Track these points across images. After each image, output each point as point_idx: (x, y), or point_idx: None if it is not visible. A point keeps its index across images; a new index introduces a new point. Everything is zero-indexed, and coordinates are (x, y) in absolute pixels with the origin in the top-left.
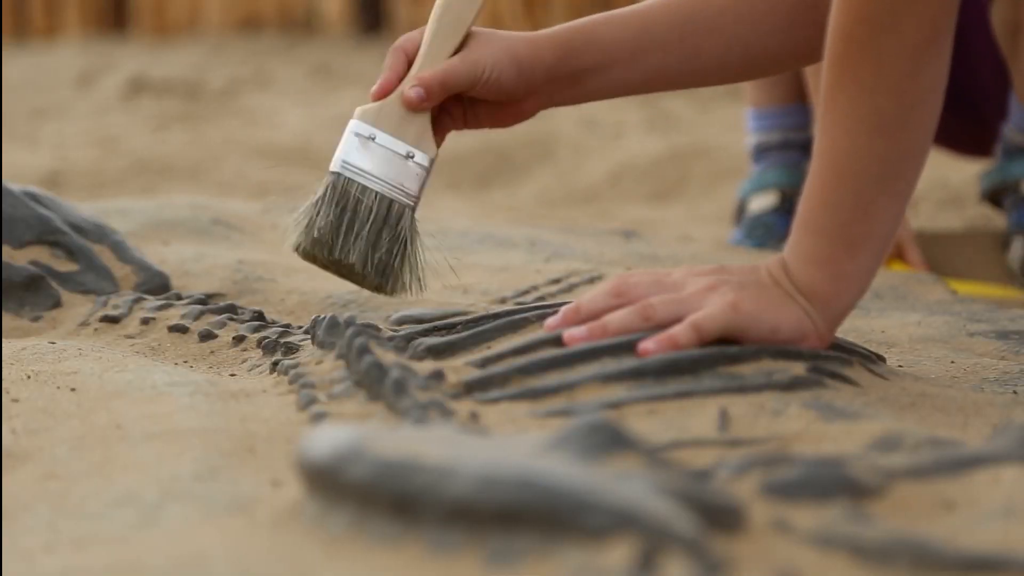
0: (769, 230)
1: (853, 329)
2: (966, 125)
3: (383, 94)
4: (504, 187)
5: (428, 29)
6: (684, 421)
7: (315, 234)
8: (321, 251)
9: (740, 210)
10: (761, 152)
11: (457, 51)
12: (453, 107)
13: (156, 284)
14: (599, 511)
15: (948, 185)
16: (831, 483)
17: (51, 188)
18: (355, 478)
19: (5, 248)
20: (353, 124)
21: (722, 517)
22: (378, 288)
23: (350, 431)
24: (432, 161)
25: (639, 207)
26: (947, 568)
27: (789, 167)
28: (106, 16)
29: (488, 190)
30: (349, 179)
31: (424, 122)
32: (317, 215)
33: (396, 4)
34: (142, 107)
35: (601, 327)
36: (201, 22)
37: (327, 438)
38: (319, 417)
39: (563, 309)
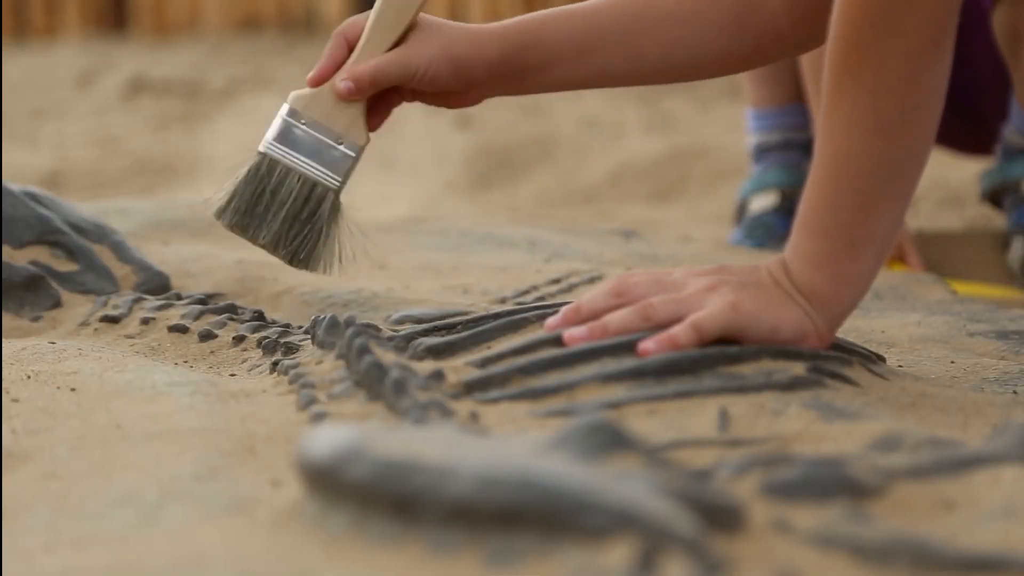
0: (769, 230)
1: (853, 329)
2: (966, 124)
3: (319, 81)
4: (504, 187)
5: (370, 19)
6: (684, 421)
7: (232, 212)
8: (238, 227)
9: (741, 210)
10: (761, 152)
11: (397, 43)
12: (392, 93)
13: (156, 284)
14: (599, 511)
15: (948, 185)
16: (831, 483)
17: (51, 188)
18: (355, 478)
19: (5, 248)
20: (284, 108)
21: (722, 517)
22: (291, 263)
23: (350, 431)
24: (362, 148)
25: (639, 207)
26: (947, 568)
27: (790, 167)
28: (106, 16)
29: (488, 190)
30: (273, 160)
31: (357, 111)
32: (236, 192)
33: None
34: (142, 107)
35: (601, 327)
36: (201, 22)
37: (327, 438)
38: (319, 417)
39: (563, 309)
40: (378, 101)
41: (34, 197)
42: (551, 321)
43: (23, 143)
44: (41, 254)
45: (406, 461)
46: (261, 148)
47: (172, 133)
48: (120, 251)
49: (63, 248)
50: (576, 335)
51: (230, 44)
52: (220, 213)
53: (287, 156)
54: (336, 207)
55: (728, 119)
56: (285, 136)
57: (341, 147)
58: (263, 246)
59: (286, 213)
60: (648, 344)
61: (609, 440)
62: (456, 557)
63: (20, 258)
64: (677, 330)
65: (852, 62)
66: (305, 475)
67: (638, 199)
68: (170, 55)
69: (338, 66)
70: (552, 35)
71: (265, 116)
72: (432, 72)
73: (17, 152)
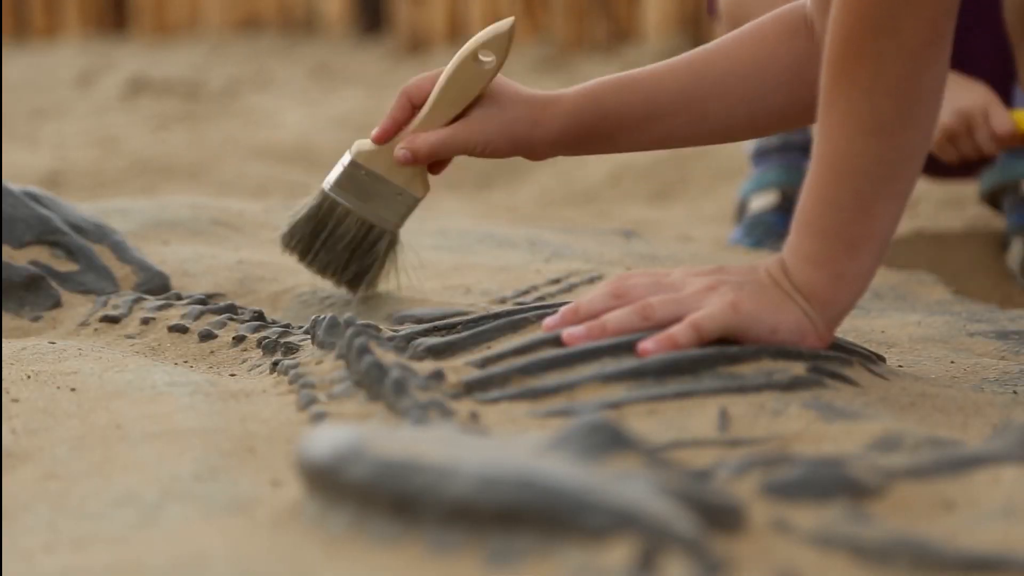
0: (768, 229)
1: (853, 329)
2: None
3: (382, 139)
4: (504, 187)
5: (435, 89)
6: (684, 421)
7: (292, 243)
8: (299, 256)
9: (741, 210)
10: (761, 155)
11: (461, 115)
12: None
13: (156, 284)
14: (599, 511)
15: (948, 185)
16: (831, 483)
17: (51, 188)
18: (355, 478)
19: (5, 248)
20: (347, 158)
21: (722, 517)
22: (345, 289)
23: (350, 431)
24: (418, 200)
25: (639, 207)
26: (947, 568)
27: (789, 167)
28: (106, 16)
29: (488, 190)
30: (335, 201)
31: (417, 168)
32: (297, 225)
33: (396, 4)
34: (142, 107)
35: (600, 326)
36: (201, 22)
37: (327, 438)
38: (319, 417)
39: (562, 310)
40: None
41: (34, 197)
42: (549, 321)
43: (23, 143)
44: (41, 254)
45: (406, 461)
46: (324, 187)
47: (172, 133)
48: (120, 251)
49: (63, 248)
50: (575, 334)
51: (230, 44)
52: (283, 242)
53: (347, 200)
54: (393, 246)
55: None
56: (347, 181)
57: (399, 197)
58: (318, 272)
59: (339, 252)
60: (648, 344)
61: (609, 440)
62: (456, 557)
63: (20, 258)
64: (676, 330)
65: (849, 62)
66: (305, 475)
67: (638, 199)
68: (170, 55)
69: (400, 127)
70: (617, 107)
71: (265, 116)
72: (491, 149)
73: (17, 152)
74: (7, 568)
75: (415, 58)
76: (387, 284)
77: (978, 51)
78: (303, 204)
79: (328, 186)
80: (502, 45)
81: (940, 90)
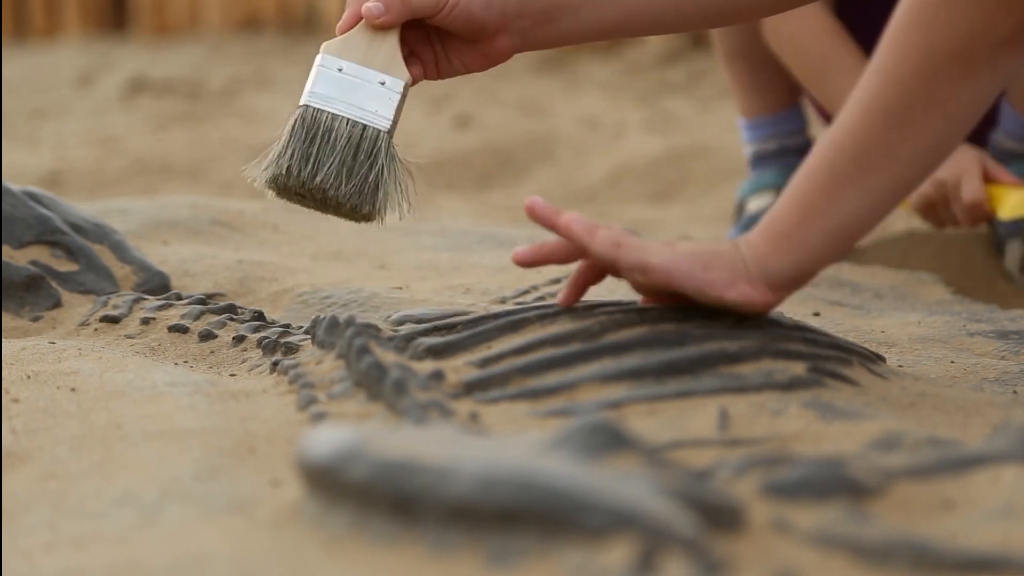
0: None
1: (853, 329)
2: None
3: (349, 26)
4: (504, 187)
5: None
6: (684, 421)
7: (286, 165)
8: (294, 181)
9: (739, 210)
10: (759, 160)
11: None
12: (423, 51)
13: (156, 284)
14: (599, 511)
15: None
16: (831, 483)
17: (51, 188)
18: (355, 478)
19: (5, 248)
20: (319, 58)
21: (722, 517)
22: (357, 211)
23: (350, 431)
24: (406, 85)
25: (639, 207)
26: (947, 568)
27: (786, 170)
28: (106, 16)
29: (488, 190)
30: (318, 110)
31: (392, 47)
32: (286, 148)
33: None
34: (142, 107)
35: (556, 212)
36: (201, 22)
37: (327, 438)
38: (319, 417)
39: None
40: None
41: (34, 197)
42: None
43: (23, 143)
44: (41, 254)
45: (406, 461)
46: (303, 100)
47: (172, 133)
48: (120, 251)
49: (63, 248)
50: (535, 204)
51: (230, 44)
52: (269, 175)
53: (331, 103)
54: (391, 148)
55: (728, 119)
56: (325, 83)
57: (384, 86)
58: (323, 201)
59: (340, 159)
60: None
61: (609, 440)
62: (456, 557)
63: (20, 258)
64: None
65: (926, 80)
66: (305, 475)
67: (638, 199)
68: (170, 55)
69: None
70: None
71: (265, 116)
72: (463, 3)
73: (17, 152)
74: (7, 568)
75: None
76: (401, 206)
77: None
78: (281, 132)
79: (305, 97)
80: None
81: (963, 121)
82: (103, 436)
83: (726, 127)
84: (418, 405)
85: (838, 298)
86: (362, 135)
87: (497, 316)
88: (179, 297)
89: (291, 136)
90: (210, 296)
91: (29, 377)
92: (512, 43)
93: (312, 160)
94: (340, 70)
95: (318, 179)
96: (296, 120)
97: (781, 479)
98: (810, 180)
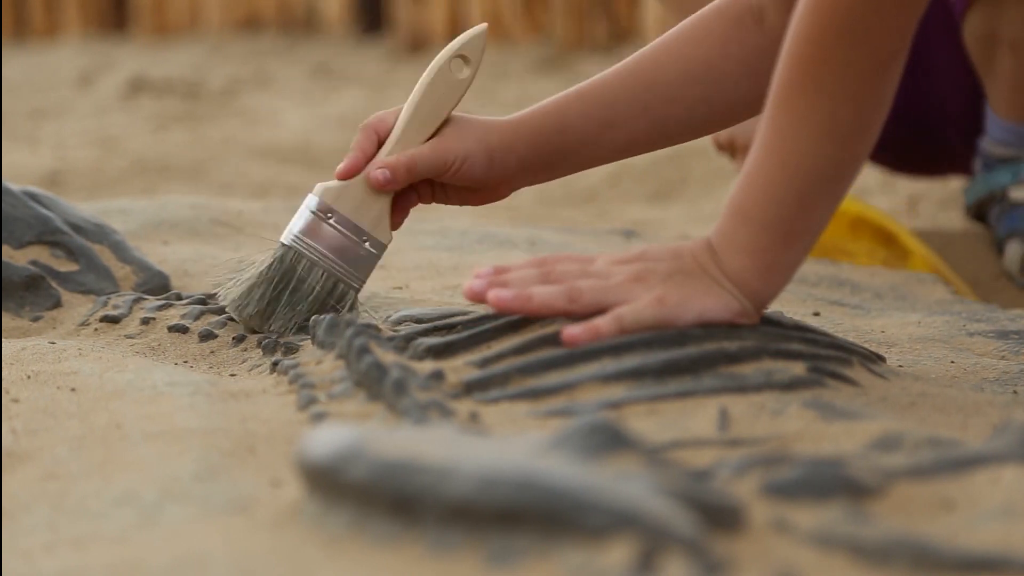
0: None
1: (853, 329)
2: (919, 138)
3: (348, 174)
4: None
5: (403, 113)
6: (684, 421)
7: (251, 304)
8: (255, 320)
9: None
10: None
11: (431, 138)
12: (421, 186)
13: (156, 284)
14: (599, 511)
15: (948, 185)
16: (831, 483)
17: (51, 188)
18: (355, 478)
19: (5, 248)
20: (310, 200)
21: (722, 517)
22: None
23: (350, 431)
24: (384, 248)
25: (639, 207)
26: (947, 568)
27: None
28: (106, 16)
29: None
30: (298, 253)
31: (383, 208)
32: (254, 289)
33: (396, 4)
34: (142, 107)
35: (527, 297)
36: (201, 22)
37: (327, 438)
38: (319, 417)
39: (485, 271)
40: (397, 199)
41: (34, 197)
42: (475, 284)
43: (23, 143)
44: (41, 254)
45: (406, 461)
46: (286, 240)
47: (172, 133)
48: (120, 251)
49: (63, 248)
50: (503, 298)
51: (230, 44)
52: (238, 308)
53: (311, 251)
54: (355, 306)
55: None
56: (312, 231)
57: (366, 246)
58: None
59: (306, 308)
60: (575, 331)
61: (609, 440)
62: (456, 557)
63: (20, 258)
64: (601, 321)
65: (815, 65)
66: (305, 475)
67: (638, 199)
68: (170, 55)
69: (368, 159)
70: (576, 118)
71: (265, 116)
72: (468, 165)
73: (17, 152)
74: (7, 568)
75: (415, 58)
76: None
77: (940, 72)
78: (252, 262)
79: (289, 238)
80: (476, 53)
81: (892, 96)
82: (103, 436)
83: None
84: (418, 405)
85: (838, 298)
86: (331, 290)
87: (497, 316)
88: (179, 297)
89: (265, 275)
90: (210, 296)
91: (29, 377)
92: (512, 188)
93: (276, 311)
94: (328, 218)
95: (275, 326)
96: (275, 260)
97: (781, 479)
98: (784, 208)
